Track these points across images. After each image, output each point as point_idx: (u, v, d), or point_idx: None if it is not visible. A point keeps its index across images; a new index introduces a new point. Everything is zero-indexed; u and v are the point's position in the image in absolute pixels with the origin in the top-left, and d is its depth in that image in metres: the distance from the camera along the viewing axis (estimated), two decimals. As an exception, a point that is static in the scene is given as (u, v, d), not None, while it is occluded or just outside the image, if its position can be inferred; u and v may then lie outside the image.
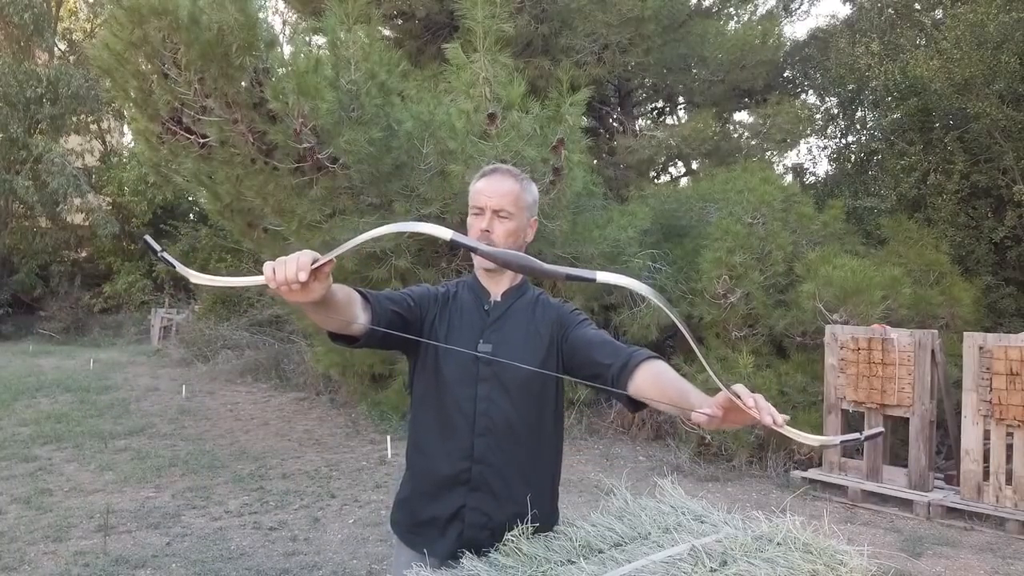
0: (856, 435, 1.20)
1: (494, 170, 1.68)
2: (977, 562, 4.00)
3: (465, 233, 1.67)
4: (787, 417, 1.15)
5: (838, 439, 1.20)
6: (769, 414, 1.13)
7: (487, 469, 1.56)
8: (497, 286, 1.67)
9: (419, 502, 1.61)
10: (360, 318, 1.38)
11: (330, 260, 1.15)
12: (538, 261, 1.19)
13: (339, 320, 1.34)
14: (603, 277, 1.13)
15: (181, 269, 1.15)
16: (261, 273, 1.16)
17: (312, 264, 1.12)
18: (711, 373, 1.22)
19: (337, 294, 1.31)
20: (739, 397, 1.14)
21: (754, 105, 11.76)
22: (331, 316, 1.33)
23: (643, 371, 1.42)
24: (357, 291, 1.42)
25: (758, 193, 6.86)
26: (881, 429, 1.39)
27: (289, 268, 1.13)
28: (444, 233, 1.20)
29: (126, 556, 3.86)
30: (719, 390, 1.18)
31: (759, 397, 1.16)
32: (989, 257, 8.13)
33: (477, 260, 1.65)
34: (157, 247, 1.12)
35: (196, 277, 1.16)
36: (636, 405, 1.46)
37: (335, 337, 1.42)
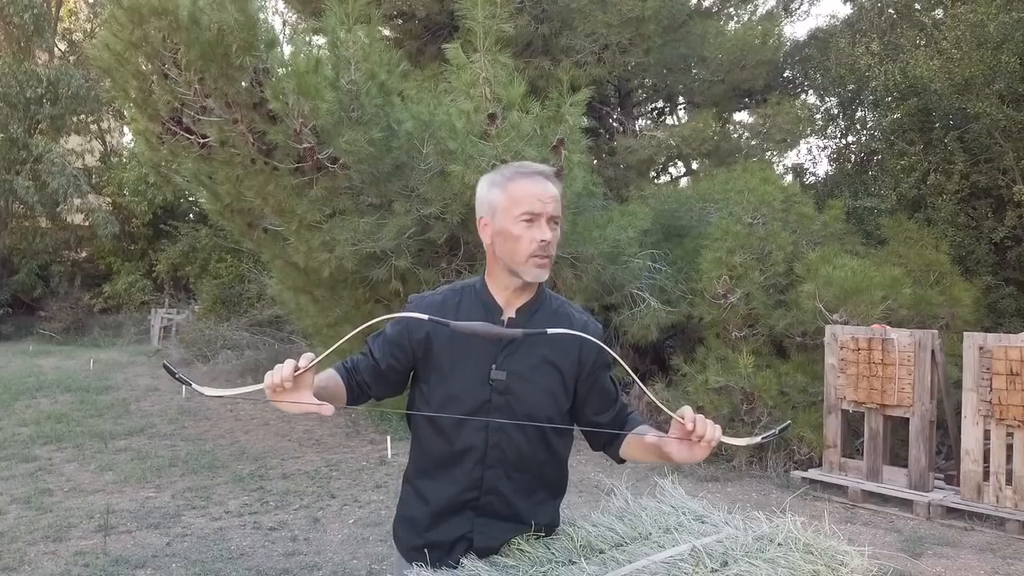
0: (771, 432, 1.41)
1: (539, 171, 1.48)
2: (977, 562, 4.00)
3: (488, 230, 1.51)
4: (718, 429, 1.33)
5: (758, 438, 1.40)
6: (706, 439, 1.31)
7: (496, 498, 1.50)
8: (517, 300, 1.51)
9: (423, 525, 1.54)
10: (342, 401, 1.48)
11: (311, 366, 1.28)
12: (499, 328, 1.39)
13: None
14: (553, 331, 1.38)
15: (196, 387, 1.31)
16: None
17: (294, 371, 1.26)
18: (656, 401, 1.40)
19: (328, 385, 1.41)
20: (683, 418, 1.32)
21: (754, 105, 11.76)
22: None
23: (629, 436, 1.55)
24: (342, 375, 1.49)
25: (758, 193, 6.85)
26: (788, 422, 1.64)
27: (285, 371, 1.25)
28: (421, 317, 1.40)
29: (126, 556, 3.86)
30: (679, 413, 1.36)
31: (699, 417, 1.32)
32: (989, 257, 8.12)
33: (493, 278, 1.52)
34: (175, 370, 1.32)
35: (210, 392, 1.32)
36: (622, 460, 1.63)
37: None
